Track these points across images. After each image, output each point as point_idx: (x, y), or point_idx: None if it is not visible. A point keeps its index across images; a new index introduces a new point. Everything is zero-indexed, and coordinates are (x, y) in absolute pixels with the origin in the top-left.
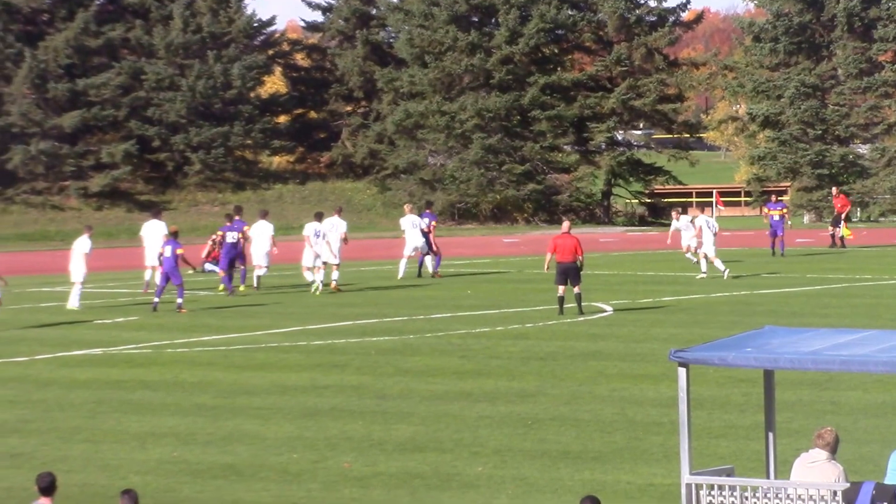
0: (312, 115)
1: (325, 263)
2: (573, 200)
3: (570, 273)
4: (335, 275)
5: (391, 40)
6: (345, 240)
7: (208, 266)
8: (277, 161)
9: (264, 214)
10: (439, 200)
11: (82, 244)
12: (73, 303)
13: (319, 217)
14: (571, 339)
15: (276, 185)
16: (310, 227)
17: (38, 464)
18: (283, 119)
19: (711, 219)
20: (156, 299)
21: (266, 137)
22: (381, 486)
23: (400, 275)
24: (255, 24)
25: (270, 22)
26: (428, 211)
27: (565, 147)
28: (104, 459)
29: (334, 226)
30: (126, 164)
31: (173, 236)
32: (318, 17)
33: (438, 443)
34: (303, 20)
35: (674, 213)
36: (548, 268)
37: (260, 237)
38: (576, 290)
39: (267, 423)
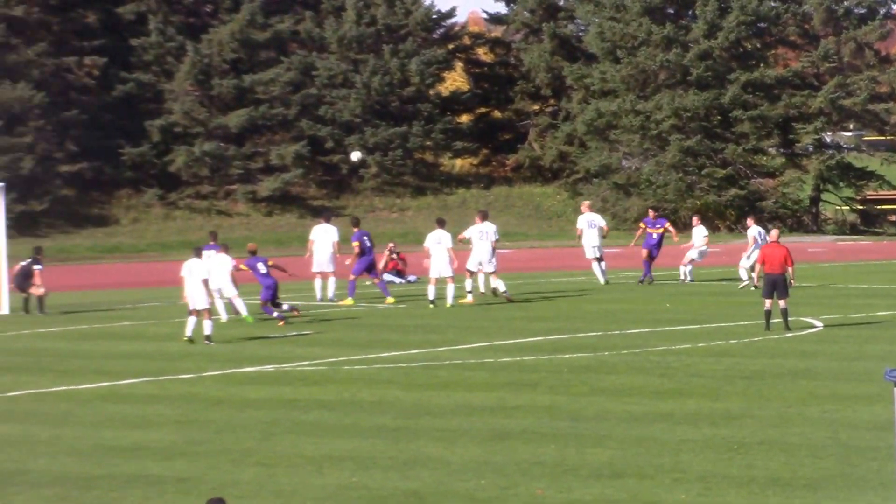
0: (496, 114)
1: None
2: (779, 207)
3: (778, 285)
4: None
5: (580, 33)
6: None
7: (387, 276)
8: (460, 164)
9: (442, 223)
10: (634, 206)
11: (223, 261)
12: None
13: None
14: (779, 356)
15: (459, 189)
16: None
17: (208, 489)
18: (464, 119)
19: None
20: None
21: (447, 138)
22: None
23: (602, 280)
24: (434, 17)
25: (450, 14)
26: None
27: (769, 150)
28: (278, 485)
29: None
30: (297, 167)
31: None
32: (501, 8)
33: (637, 468)
34: (485, 12)
35: None
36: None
37: (439, 248)
38: (782, 304)
39: (452, 447)
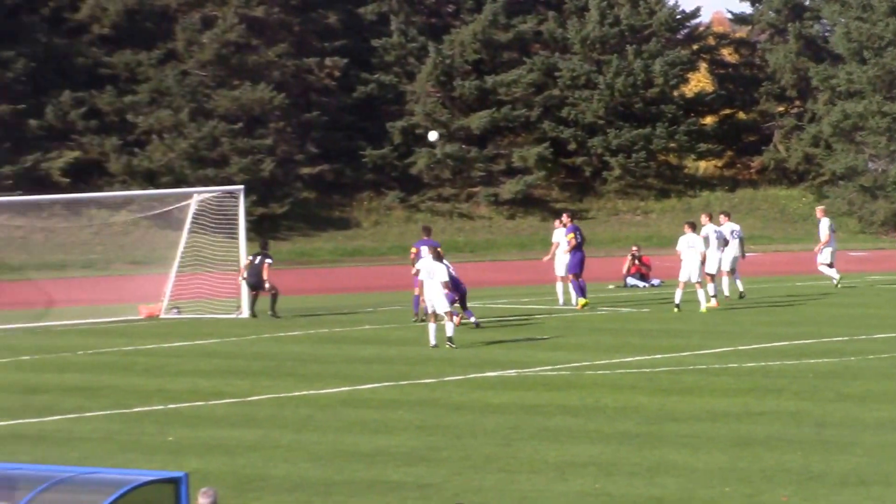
0: (741, 115)
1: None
2: None
3: None
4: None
5: (826, 34)
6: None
7: (630, 280)
8: (704, 166)
9: (693, 227)
10: (881, 209)
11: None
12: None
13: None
14: None
15: (703, 192)
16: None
17: (449, 495)
18: (709, 120)
19: None
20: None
21: (691, 140)
22: None
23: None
24: (678, 17)
25: (694, 14)
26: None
27: None
28: (521, 491)
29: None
30: (540, 169)
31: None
32: (746, 8)
33: (884, 475)
34: (730, 12)
35: None
36: None
37: (691, 252)
38: None
39: (696, 453)
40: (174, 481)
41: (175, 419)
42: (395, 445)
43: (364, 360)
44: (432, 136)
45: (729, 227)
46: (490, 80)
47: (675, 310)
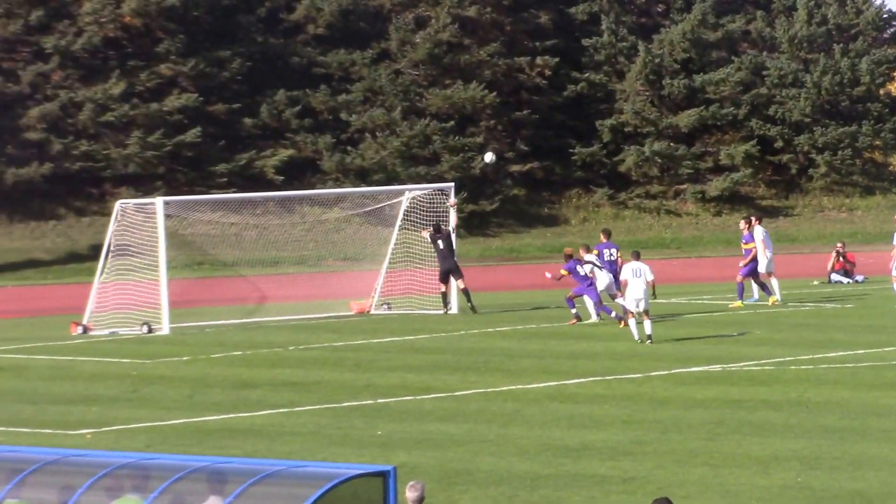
0: None
1: None
2: None
3: None
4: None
5: None
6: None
7: (834, 277)
8: None
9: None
10: None
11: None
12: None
13: None
14: None
15: None
16: None
17: (653, 489)
18: None
19: None
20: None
21: None
22: None
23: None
24: (885, 16)
25: None
26: None
27: None
28: (724, 485)
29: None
30: (746, 167)
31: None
32: None
33: None
34: None
35: None
36: None
37: None
38: None
39: None
40: (382, 475)
41: (384, 414)
42: (600, 440)
43: (571, 355)
44: (488, 157)
45: None
46: (698, 78)
47: None
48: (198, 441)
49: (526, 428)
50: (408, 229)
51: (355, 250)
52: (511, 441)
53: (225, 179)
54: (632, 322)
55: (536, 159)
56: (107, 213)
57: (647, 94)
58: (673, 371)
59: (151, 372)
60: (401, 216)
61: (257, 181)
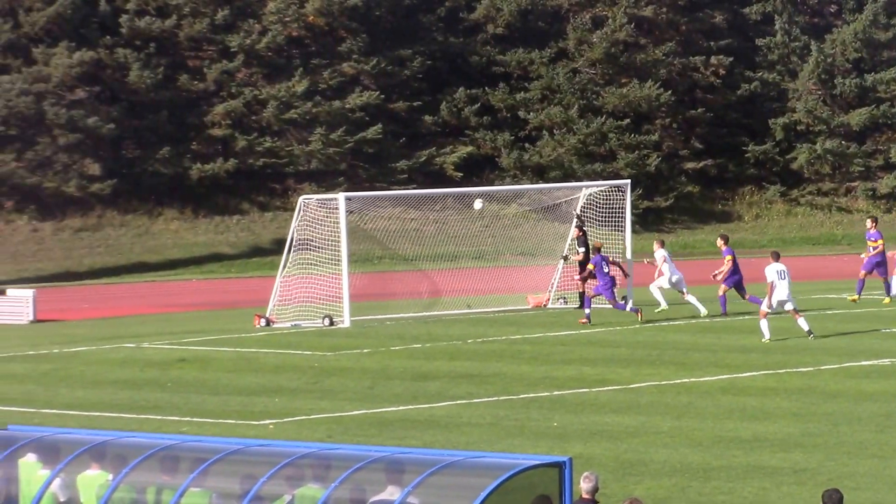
0: None
1: None
2: None
3: None
4: None
5: None
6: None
7: None
8: None
9: None
10: None
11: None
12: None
13: None
14: None
15: None
16: None
17: (823, 480)
18: None
19: None
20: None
21: None
22: None
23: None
24: None
25: None
26: None
27: None
28: (893, 476)
29: None
30: None
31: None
32: None
33: None
34: None
35: None
36: None
37: None
38: None
39: None
40: (558, 465)
41: (560, 405)
42: (772, 432)
43: (743, 348)
44: (477, 204)
45: None
46: (870, 77)
47: None
48: (377, 432)
49: (699, 420)
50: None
51: (532, 246)
52: (684, 433)
53: (405, 176)
54: (763, 322)
55: (710, 157)
56: (289, 209)
57: (819, 92)
58: (843, 365)
59: (333, 364)
60: (577, 212)
61: (437, 177)
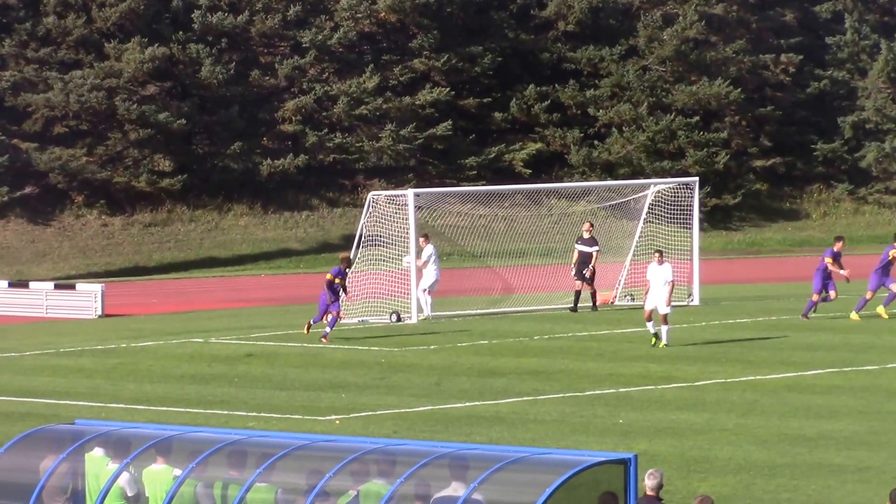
0: None
1: None
2: None
3: None
4: None
5: None
6: None
7: None
8: None
9: None
10: None
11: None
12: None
13: None
14: None
15: None
16: None
17: (888, 478)
18: None
19: None
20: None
21: None
22: None
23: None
24: None
25: None
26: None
27: None
28: None
29: None
30: None
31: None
32: None
33: None
34: None
35: None
36: None
37: None
38: None
39: None
40: (623, 462)
41: (625, 402)
42: (837, 430)
43: (808, 346)
44: (406, 261)
45: None
46: None
47: None
48: (443, 428)
49: (763, 418)
50: (651, 222)
51: (601, 242)
52: (749, 430)
53: (474, 172)
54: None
55: (779, 155)
56: (358, 205)
57: (889, 91)
58: None
59: (399, 360)
60: (645, 209)
61: (506, 174)
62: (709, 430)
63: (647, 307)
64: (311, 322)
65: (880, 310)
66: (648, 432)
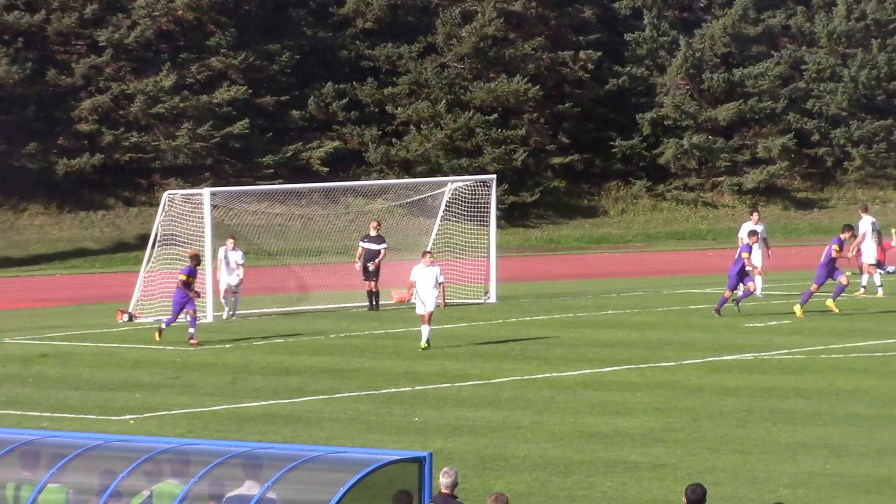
0: None
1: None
2: None
3: None
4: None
5: None
6: None
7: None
8: None
9: (865, 209)
10: None
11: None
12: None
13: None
14: None
15: None
16: None
17: (684, 475)
18: None
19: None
20: None
21: None
22: None
23: None
24: None
25: None
26: None
27: None
28: (753, 471)
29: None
30: (783, 160)
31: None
32: None
33: None
34: None
35: None
36: None
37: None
38: None
39: None
40: (418, 460)
41: (422, 400)
42: (632, 427)
43: (605, 343)
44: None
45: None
46: (738, 72)
47: None
48: (238, 427)
49: (560, 415)
50: (448, 220)
51: (397, 240)
52: (545, 428)
53: (272, 171)
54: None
55: (577, 152)
56: (154, 204)
57: (688, 87)
58: (707, 359)
59: (194, 359)
60: (443, 207)
61: (303, 172)
62: (505, 428)
63: (422, 311)
64: (164, 326)
65: (829, 303)
66: (444, 430)
